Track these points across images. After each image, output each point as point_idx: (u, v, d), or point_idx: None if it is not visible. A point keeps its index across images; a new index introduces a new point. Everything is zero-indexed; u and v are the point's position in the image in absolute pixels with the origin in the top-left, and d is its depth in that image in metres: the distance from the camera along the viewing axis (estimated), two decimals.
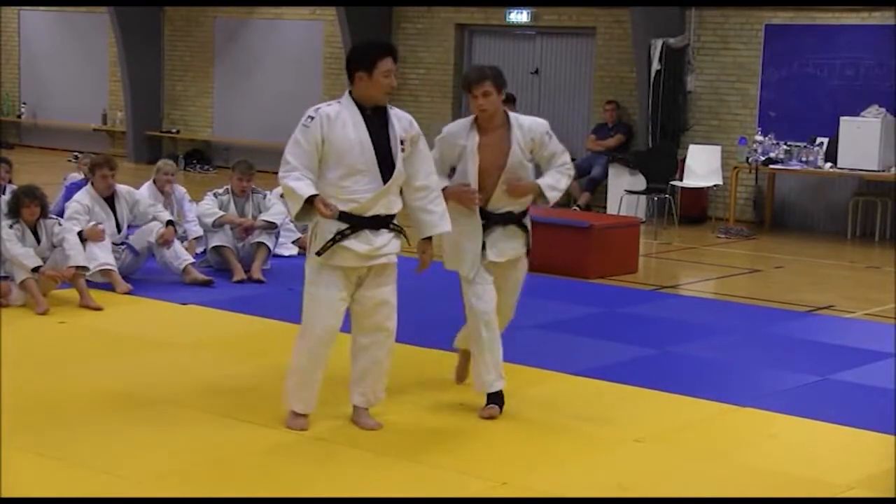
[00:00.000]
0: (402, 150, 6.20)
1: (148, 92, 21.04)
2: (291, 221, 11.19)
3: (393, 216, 6.27)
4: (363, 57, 6.22)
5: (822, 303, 10.66)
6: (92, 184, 10.34)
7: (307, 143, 6.13)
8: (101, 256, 9.89)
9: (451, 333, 7.22)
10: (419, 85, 18.28)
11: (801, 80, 15.35)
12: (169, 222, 10.46)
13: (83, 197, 10.23)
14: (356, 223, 6.16)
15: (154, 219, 10.42)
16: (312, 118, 6.16)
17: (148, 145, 21.06)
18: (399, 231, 6.31)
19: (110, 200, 10.30)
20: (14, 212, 9.38)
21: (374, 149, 6.14)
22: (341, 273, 6.23)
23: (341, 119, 6.16)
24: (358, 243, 6.17)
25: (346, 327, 6.45)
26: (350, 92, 6.25)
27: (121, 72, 20.93)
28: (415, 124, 6.34)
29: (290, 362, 6.45)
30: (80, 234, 9.83)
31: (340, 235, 6.17)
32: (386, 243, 6.23)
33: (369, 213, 6.17)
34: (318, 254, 6.19)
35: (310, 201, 6.06)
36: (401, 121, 6.27)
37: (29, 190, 9.57)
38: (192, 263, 10.45)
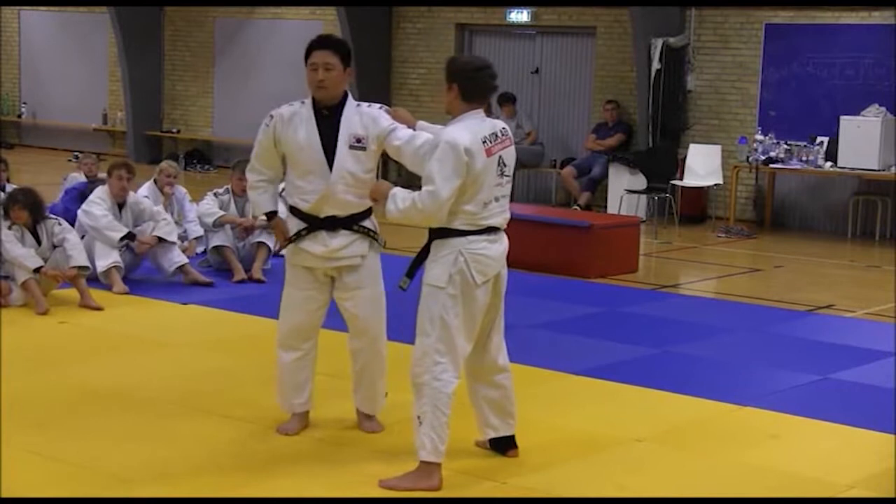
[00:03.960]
0: (362, 147, 6.06)
1: (148, 92, 21.06)
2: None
3: (354, 217, 6.13)
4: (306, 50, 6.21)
5: (822, 302, 10.66)
6: (108, 185, 10.33)
7: (266, 142, 6.22)
8: (114, 254, 10.01)
9: None
10: (420, 85, 18.29)
11: (801, 80, 15.36)
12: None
13: (102, 195, 10.22)
14: (312, 223, 6.14)
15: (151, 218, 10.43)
16: (272, 117, 6.19)
17: (148, 145, 21.07)
18: (366, 233, 6.20)
19: (119, 206, 10.30)
20: (7, 214, 9.40)
21: (324, 149, 6.06)
22: (307, 271, 6.23)
23: (295, 120, 6.12)
24: (314, 244, 6.15)
25: (343, 327, 6.46)
26: None
27: (121, 72, 20.94)
28: (381, 121, 6.07)
29: None
30: (133, 237, 10.09)
31: (296, 236, 6.18)
32: (345, 245, 6.14)
33: (323, 214, 6.12)
34: (277, 252, 6.31)
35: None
36: (362, 117, 6.10)
37: (16, 194, 9.57)
38: (189, 262, 10.45)
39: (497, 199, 5.67)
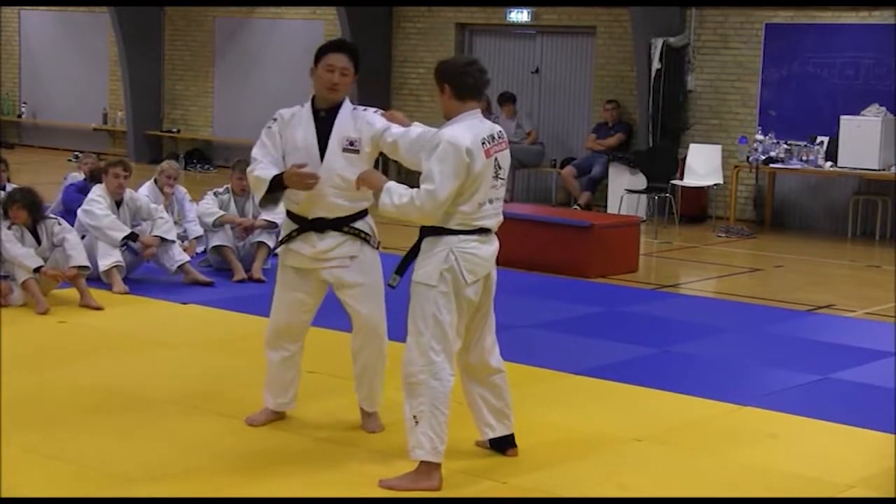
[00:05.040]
0: (355, 150, 6.04)
1: (148, 91, 21.06)
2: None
3: (344, 219, 6.12)
4: (317, 51, 6.21)
5: (822, 302, 10.66)
6: (105, 183, 10.33)
7: (270, 141, 6.18)
8: (116, 254, 10.02)
9: None
10: (420, 84, 18.29)
11: (801, 80, 15.35)
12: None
13: (101, 192, 10.22)
14: (302, 224, 6.15)
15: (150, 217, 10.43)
16: (275, 119, 6.21)
17: (148, 145, 21.08)
18: (357, 234, 6.16)
19: (116, 204, 10.30)
20: (7, 213, 9.41)
21: (320, 151, 6.07)
22: (297, 273, 6.23)
23: (294, 121, 6.14)
24: (302, 245, 6.16)
25: (343, 326, 6.46)
26: (313, 94, 6.22)
27: (121, 71, 20.95)
28: (375, 123, 6.07)
29: None
30: (135, 237, 10.06)
31: (288, 237, 6.20)
32: (333, 247, 6.13)
33: (311, 216, 6.12)
34: (272, 252, 6.31)
35: (276, 186, 6.04)
36: (357, 120, 6.11)
37: (14, 193, 9.58)
38: (190, 262, 10.45)
39: (491, 202, 5.67)
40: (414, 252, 5.69)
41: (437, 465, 5.59)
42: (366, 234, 6.20)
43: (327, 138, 6.08)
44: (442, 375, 5.56)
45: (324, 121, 6.11)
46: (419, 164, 5.69)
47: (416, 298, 5.61)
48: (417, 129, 5.96)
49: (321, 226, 6.13)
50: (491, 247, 5.72)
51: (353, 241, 6.18)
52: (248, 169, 6.23)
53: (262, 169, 6.12)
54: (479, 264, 5.64)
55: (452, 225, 5.58)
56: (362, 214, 6.19)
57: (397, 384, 6.37)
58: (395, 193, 5.57)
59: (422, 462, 5.58)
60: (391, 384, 6.46)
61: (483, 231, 5.65)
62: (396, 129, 6.03)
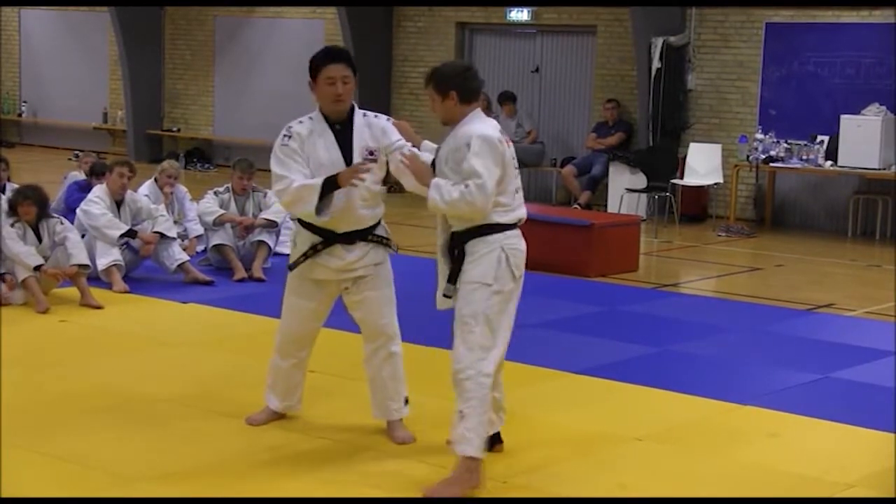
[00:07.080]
0: (374, 159, 5.99)
1: (148, 90, 21.06)
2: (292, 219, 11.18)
3: (370, 229, 6.10)
4: (311, 64, 6.06)
5: (822, 301, 10.66)
6: (108, 182, 10.33)
7: (294, 157, 5.97)
8: (114, 252, 10.02)
9: (448, 331, 7.17)
10: (420, 83, 18.26)
11: (801, 79, 15.35)
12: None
13: (100, 193, 10.23)
14: (329, 237, 6.06)
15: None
16: (289, 136, 6.01)
17: (148, 144, 21.08)
18: (380, 241, 6.15)
19: (117, 204, 10.31)
20: (14, 210, 9.41)
21: (346, 165, 5.96)
22: (314, 283, 6.17)
23: (313, 138, 6.01)
24: (330, 258, 6.08)
25: (344, 326, 6.45)
26: (319, 107, 6.10)
27: (121, 70, 20.95)
28: (390, 133, 6.03)
29: None
30: (133, 234, 10.09)
31: (313, 250, 6.09)
32: (361, 257, 6.09)
33: (341, 230, 6.05)
34: (291, 267, 6.17)
35: (328, 189, 5.84)
36: (372, 128, 6.06)
37: (25, 190, 9.60)
38: (190, 261, 10.46)
39: (517, 190, 5.75)
40: (460, 257, 5.65)
41: (480, 462, 5.57)
42: (387, 239, 6.20)
43: (350, 151, 6.00)
44: (490, 370, 5.55)
45: (341, 133, 6.03)
46: (416, 187, 5.74)
47: (467, 297, 5.58)
48: (424, 156, 5.87)
49: (350, 238, 6.07)
50: (524, 240, 5.78)
51: (377, 248, 6.16)
52: (279, 188, 5.94)
53: (300, 182, 5.87)
54: (522, 258, 5.71)
55: (496, 218, 5.60)
56: (380, 221, 6.18)
57: (415, 387, 6.37)
58: (445, 190, 5.55)
59: (466, 458, 5.53)
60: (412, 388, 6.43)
61: (517, 223, 5.72)
62: (408, 150, 5.92)
